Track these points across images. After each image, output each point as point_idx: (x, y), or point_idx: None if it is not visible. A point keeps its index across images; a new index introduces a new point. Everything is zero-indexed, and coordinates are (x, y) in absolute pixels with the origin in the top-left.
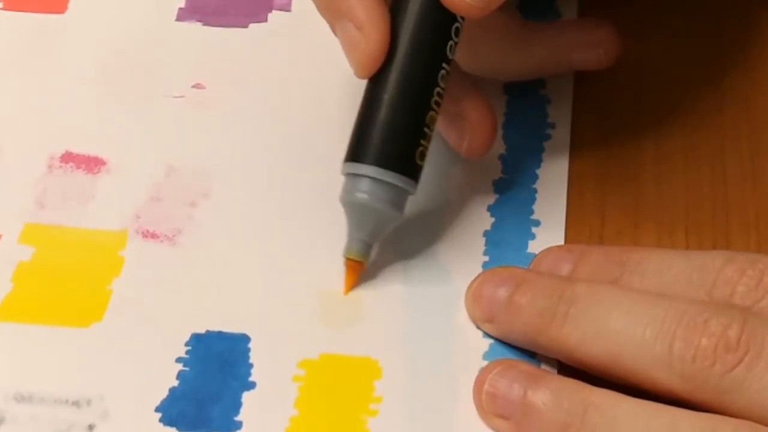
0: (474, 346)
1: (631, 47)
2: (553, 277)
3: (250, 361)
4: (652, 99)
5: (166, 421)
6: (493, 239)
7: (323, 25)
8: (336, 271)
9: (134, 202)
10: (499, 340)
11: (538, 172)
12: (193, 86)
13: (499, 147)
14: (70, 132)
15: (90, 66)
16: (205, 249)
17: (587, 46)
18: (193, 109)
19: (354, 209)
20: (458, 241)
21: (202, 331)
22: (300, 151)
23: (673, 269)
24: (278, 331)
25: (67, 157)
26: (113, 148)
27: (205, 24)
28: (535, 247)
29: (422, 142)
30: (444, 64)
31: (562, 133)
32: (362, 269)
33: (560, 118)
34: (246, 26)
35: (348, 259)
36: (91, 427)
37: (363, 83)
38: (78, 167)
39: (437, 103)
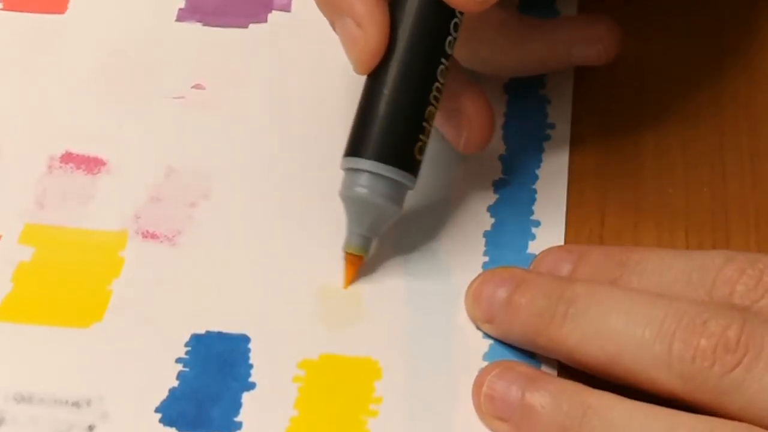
0: (474, 347)
1: (631, 46)
2: (552, 277)
3: (250, 361)
4: (652, 98)
5: (166, 421)
6: (493, 239)
7: (323, 25)
8: (336, 271)
9: (134, 203)
10: (499, 341)
11: (538, 172)
12: (193, 87)
13: (499, 147)
14: (70, 132)
15: (90, 66)
16: (204, 249)
17: (587, 42)
18: (193, 109)
19: (353, 204)
20: (458, 242)
21: (202, 331)
22: (300, 152)
23: (673, 269)
24: (278, 332)
25: (67, 158)
26: (113, 149)
27: (204, 24)
28: (535, 247)
29: (421, 137)
30: (443, 60)
31: (561, 133)
32: (362, 263)
33: (560, 118)
34: (246, 27)
35: (347, 254)
36: (91, 427)
37: (362, 82)
38: (78, 168)
39: (436, 99)
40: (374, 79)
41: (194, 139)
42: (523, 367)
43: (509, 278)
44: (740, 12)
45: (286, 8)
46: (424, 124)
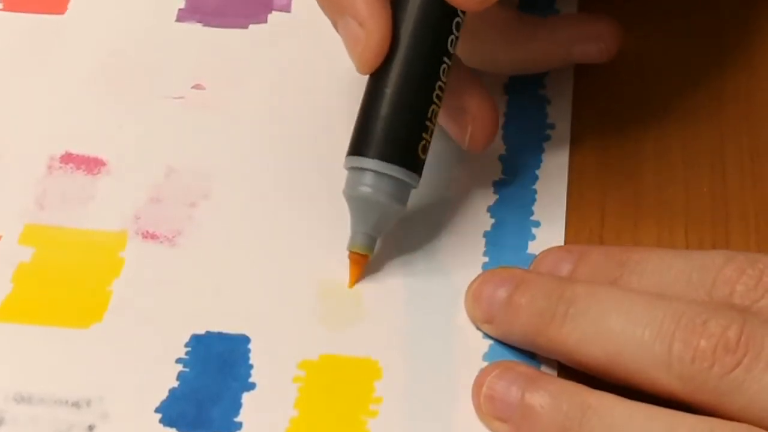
0: (474, 347)
1: (631, 46)
2: (552, 277)
3: (250, 361)
4: (652, 98)
5: (166, 421)
6: (493, 240)
7: (323, 25)
8: (337, 272)
9: (134, 203)
10: (499, 341)
11: (537, 172)
12: (192, 87)
13: (499, 148)
14: (70, 133)
15: (90, 67)
16: (204, 250)
17: (588, 39)
18: (192, 109)
19: (357, 203)
20: (458, 242)
21: (202, 331)
22: (300, 152)
23: (673, 269)
24: (278, 332)
25: (67, 158)
26: (113, 149)
27: (204, 25)
28: (535, 247)
29: (424, 135)
30: (445, 59)
31: (561, 133)
32: (366, 263)
33: (560, 118)
34: (246, 27)
35: (352, 253)
36: (91, 427)
37: (363, 83)
38: (78, 168)
39: (439, 97)
40: (377, 78)
41: (194, 140)
42: (523, 367)
43: (509, 278)
44: (740, 11)
45: (286, 9)
46: (428, 123)
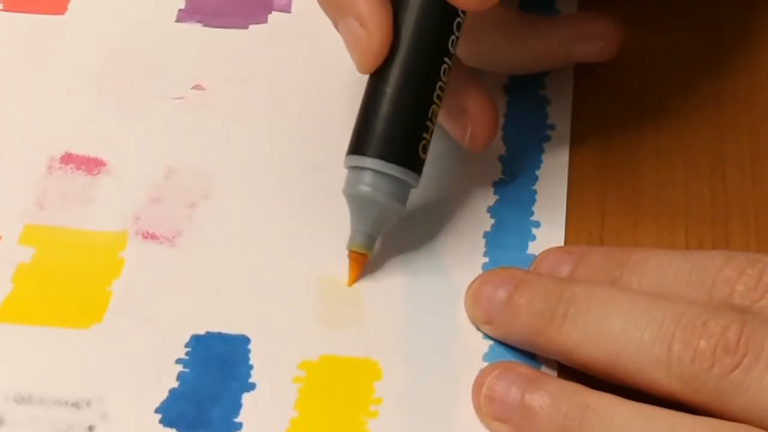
0: (474, 348)
1: (631, 46)
2: (552, 278)
3: (250, 362)
4: (652, 98)
5: (166, 422)
6: (492, 240)
7: (323, 26)
8: (337, 272)
9: (134, 204)
10: (499, 342)
11: (537, 173)
12: (192, 87)
13: (499, 148)
14: (70, 133)
15: (90, 67)
16: (204, 250)
17: (589, 38)
18: (192, 110)
19: (357, 202)
20: (458, 243)
21: (202, 332)
22: (299, 152)
23: (673, 269)
24: (278, 333)
25: (67, 159)
26: (113, 150)
27: (204, 25)
28: (534, 248)
29: (425, 135)
30: (446, 59)
31: (561, 134)
32: (366, 262)
33: (560, 119)
34: (246, 27)
35: (352, 252)
36: (91, 428)
37: (363, 83)
38: (78, 168)
39: (439, 97)
40: (377, 78)
41: (194, 140)
42: (523, 368)
43: (509, 279)
44: (740, 11)
45: (286, 9)
46: (428, 122)
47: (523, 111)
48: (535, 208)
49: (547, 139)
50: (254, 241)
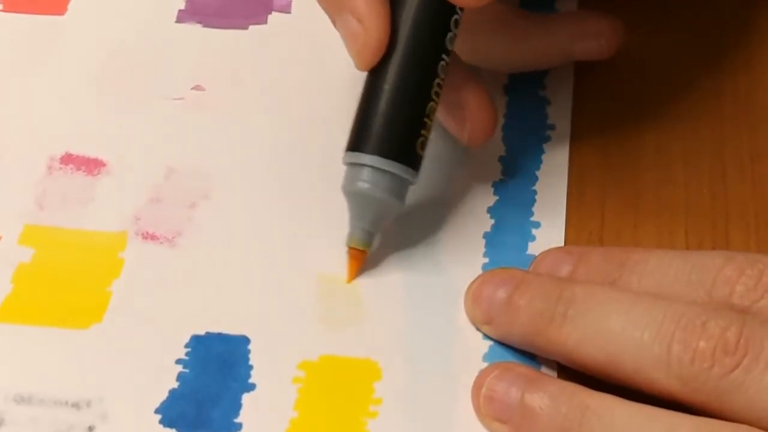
0: (474, 348)
1: (632, 46)
2: (551, 278)
3: (250, 362)
4: (652, 99)
5: (165, 422)
6: (492, 241)
7: (323, 26)
8: (337, 273)
9: (134, 204)
10: (499, 342)
11: (537, 173)
12: (192, 88)
13: (499, 149)
14: (70, 133)
15: (90, 67)
16: (204, 250)
17: (588, 36)
18: (192, 110)
19: (356, 198)
20: (458, 243)
21: (201, 332)
22: (300, 153)
23: (672, 269)
24: (278, 333)
25: (67, 159)
26: (113, 150)
27: (204, 26)
28: (534, 248)
29: (423, 132)
30: (444, 56)
31: (561, 134)
32: (365, 258)
33: (560, 119)
34: (246, 28)
35: (351, 248)
36: (90, 428)
37: (362, 81)
38: (78, 169)
39: (437, 94)
40: (375, 74)
41: (194, 140)
42: (523, 368)
43: (509, 279)
44: (740, 11)
45: (286, 9)
46: (426, 119)
47: (523, 111)
48: (535, 209)
49: (547, 139)
50: (254, 241)
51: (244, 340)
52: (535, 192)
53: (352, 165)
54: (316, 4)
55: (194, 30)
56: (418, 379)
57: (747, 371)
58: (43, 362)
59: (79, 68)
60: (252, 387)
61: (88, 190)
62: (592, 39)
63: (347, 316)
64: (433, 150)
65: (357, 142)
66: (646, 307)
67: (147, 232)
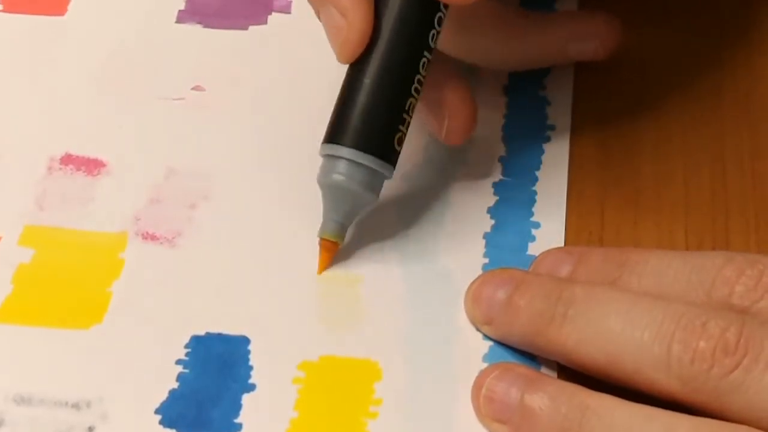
0: (474, 348)
1: (632, 46)
2: (551, 278)
3: (250, 363)
4: (652, 99)
5: (165, 422)
6: (492, 241)
7: (323, 27)
8: (337, 273)
9: (134, 204)
10: (499, 342)
11: (537, 174)
12: (192, 88)
13: (499, 149)
14: (70, 134)
15: (90, 67)
16: (204, 251)
17: (584, 37)
18: (192, 111)
19: (330, 190)
20: (458, 243)
21: (201, 332)
22: (300, 153)
23: (672, 269)
24: (278, 333)
25: (67, 159)
26: (113, 150)
27: (204, 26)
28: (534, 249)
29: (401, 127)
30: (426, 53)
31: (561, 134)
32: (336, 250)
33: (560, 119)
34: (246, 28)
35: (323, 240)
36: (90, 428)
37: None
38: (78, 169)
39: (417, 90)
40: (356, 68)
41: (194, 141)
42: (523, 368)
43: (509, 279)
44: (740, 11)
45: (286, 10)
46: (404, 115)
47: (523, 111)
48: (535, 209)
49: (547, 139)
50: (254, 242)
51: (244, 341)
52: (535, 192)
53: (328, 157)
54: None
55: (194, 30)
56: (418, 380)
57: (747, 371)
58: (43, 363)
59: (79, 68)
60: (252, 387)
61: (88, 191)
62: (587, 40)
63: (347, 316)
64: (433, 150)
65: (334, 135)
66: (646, 308)
67: (147, 233)
